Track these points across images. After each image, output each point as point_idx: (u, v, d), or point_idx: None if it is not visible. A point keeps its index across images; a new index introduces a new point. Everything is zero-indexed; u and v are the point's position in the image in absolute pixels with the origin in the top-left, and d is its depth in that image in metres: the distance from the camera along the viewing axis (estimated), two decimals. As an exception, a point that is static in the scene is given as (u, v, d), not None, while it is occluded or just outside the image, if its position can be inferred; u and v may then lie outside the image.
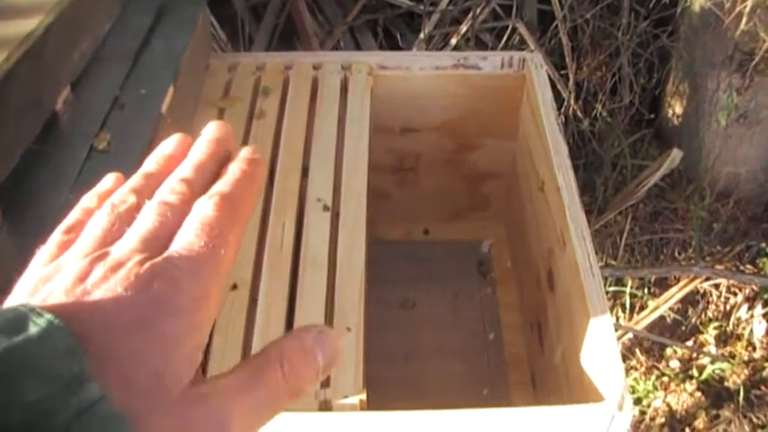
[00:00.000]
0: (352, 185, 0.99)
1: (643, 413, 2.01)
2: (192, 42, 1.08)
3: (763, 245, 2.32)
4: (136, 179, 0.40)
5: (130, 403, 0.32)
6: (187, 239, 0.36)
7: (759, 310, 2.19)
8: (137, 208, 0.38)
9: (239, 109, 1.10)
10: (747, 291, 2.24)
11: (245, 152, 0.41)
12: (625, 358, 2.12)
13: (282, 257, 0.88)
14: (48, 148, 0.83)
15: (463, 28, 2.17)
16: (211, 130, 0.43)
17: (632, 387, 2.05)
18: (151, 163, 0.42)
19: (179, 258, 0.35)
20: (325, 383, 0.75)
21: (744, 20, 1.93)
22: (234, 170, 0.40)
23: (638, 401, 2.03)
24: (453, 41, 2.17)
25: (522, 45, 2.20)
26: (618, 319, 2.16)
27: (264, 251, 0.89)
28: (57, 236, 0.38)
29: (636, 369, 2.10)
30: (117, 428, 0.32)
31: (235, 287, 0.85)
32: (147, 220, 0.37)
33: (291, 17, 2.17)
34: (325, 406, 0.73)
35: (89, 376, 0.32)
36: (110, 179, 0.42)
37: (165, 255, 0.35)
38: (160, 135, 0.92)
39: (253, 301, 0.84)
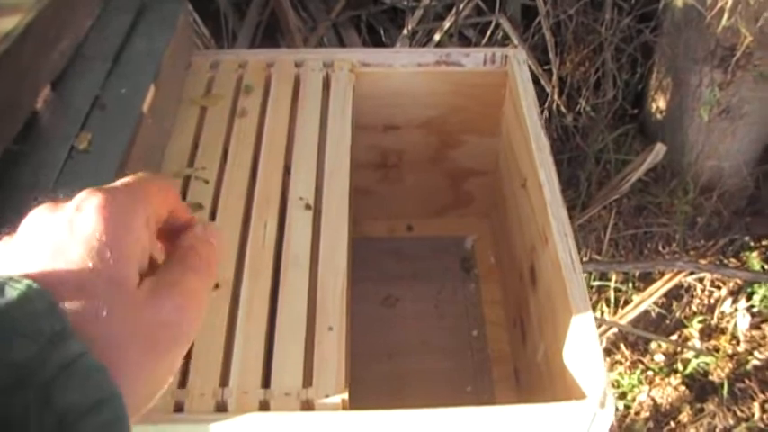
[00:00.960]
0: (335, 184, 0.99)
1: (628, 407, 2.02)
2: (173, 40, 1.07)
3: (747, 238, 2.33)
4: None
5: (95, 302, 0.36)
6: None
7: (743, 303, 2.21)
8: None
9: (221, 107, 1.09)
10: (731, 284, 2.26)
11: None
12: (610, 353, 2.13)
13: (264, 256, 0.88)
14: (28, 147, 0.83)
15: (446, 24, 2.17)
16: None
17: (617, 381, 2.06)
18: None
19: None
20: (308, 383, 0.75)
21: (725, 15, 1.94)
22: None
23: (622, 396, 2.03)
24: (437, 37, 2.17)
25: (505, 40, 2.20)
26: (602, 313, 2.17)
27: (246, 250, 0.89)
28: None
29: (620, 363, 2.11)
30: (98, 379, 0.34)
31: (217, 286, 0.84)
32: None
33: (275, 13, 2.17)
34: (308, 405, 0.73)
35: (70, 333, 0.34)
36: None
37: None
38: (141, 134, 0.91)
39: (235, 299, 0.83)
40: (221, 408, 0.73)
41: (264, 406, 0.73)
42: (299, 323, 0.81)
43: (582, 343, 0.81)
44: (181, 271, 0.41)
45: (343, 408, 0.74)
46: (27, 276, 0.35)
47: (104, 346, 0.36)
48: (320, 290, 0.85)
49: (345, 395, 0.74)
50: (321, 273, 0.87)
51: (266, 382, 0.75)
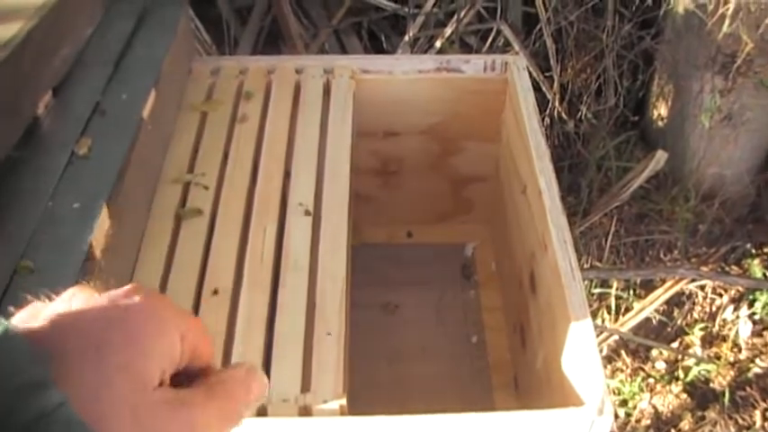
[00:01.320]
0: (334, 190, 0.99)
1: (629, 415, 2.01)
2: (173, 46, 1.07)
3: (749, 246, 2.33)
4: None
5: (94, 404, 0.34)
6: None
7: (744, 311, 2.20)
8: None
9: (222, 113, 1.09)
10: (733, 292, 2.25)
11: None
12: (611, 360, 2.13)
13: (264, 262, 0.88)
14: (28, 153, 0.83)
15: (448, 30, 2.17)
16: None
17: (618, 389, 2.06)
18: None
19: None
20: (306, 388, 0.75)
21: (726, 22, 1.94)
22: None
23: (623, 403, 2.03)
24: (438, 44, 2.17)
25: (506, 47, 2.20)
26: (603, 321, 2.17)
27: (246, 256, 0.89)
28: None
29: (621, 371, 2.11)
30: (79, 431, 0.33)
31: (216, 292, 0.85)
32: None
33: (277, 20, 2.17)
34: (305, 411, 0.73)
35: (50, 382, 0.33)
36: None
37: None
38: (141, 140, 0.92)
39: (234, 305, 0.84)
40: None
41: (262, 412, 0.73)
42: (297, 329, 0.81)
43: (581, 350, 0.81)
44: (205, 398, 0.39)
45: (342, 413, 0.74)
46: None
47: (98, 418, 0.34)
48: (319, 295, 0.85)
49: (343, 401, 0.74)
50: (320, 278, 0.87)
51: (264, 388, 0.75)
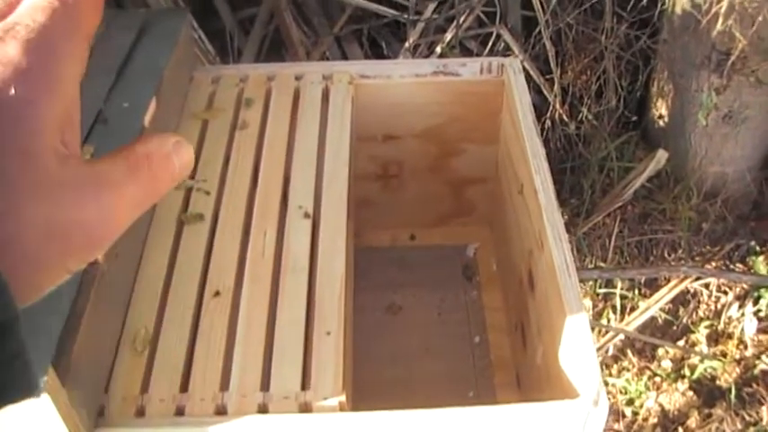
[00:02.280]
0: (333, 192, 1.00)
1: (636, 414, 2.02)
2: (174, 56, 1.09)
3: (753, 243, 2.34)
4: None
5: None
6: (19, 15, 0.32)
7: (750, 308, 2.21)
8: None
9: (222, 120, 1.11)
10: (738, 290, 2.26)
11: None
12: (617, 359, 2.14)
13: (264, 264, 0.90)
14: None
15: (448, 36, 2.19)
16: None
17: (624, 388, 2.07)
18: None
19: (17, 18, 0.32)
20: (306, 386, 0.77)
21: (720, 20, 1.95)
22: None
23: (630, 402, 2.04)
24: (438, 50, 2.19)
25: (506, 51, 2.22)
26: (609, 320, 2.18)
27: (247, 258, 0.91)
28: None
29: (628, 370, 2.12)
30: None
31: (217, 293, 0.86)
32: None
33: (279, 29, 2.20)
34: (306, 408, 0.75)
35: None
36: None
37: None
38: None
39: (235, 306, 0.85)
40: (221, 411, 0.75)
41: (263, 409, 0.75)
42: (297, 328, 0.83)
43: (576, 344, 0.82)
44: (124, 173, 0.33)
45: (341, 409, 0.75)
46: None
47: None
48: (318, 295, 0.87)
49: (343, 397, 0.76)
50: (319, 279, 0.89)
51: (265, 386, 0.77)
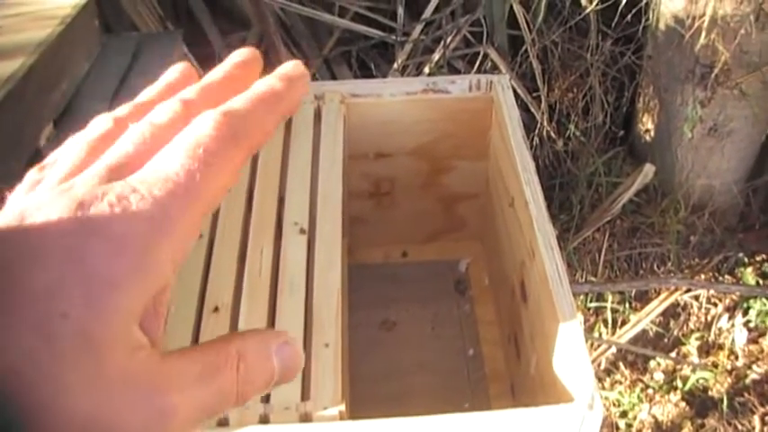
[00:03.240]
0: (328, 209, 1.02)
1: (630, 426, 2.04)
2: (168, 78, 1.11)
3: (741, 255, 2.36)
4: (123, 108, 0.33)
5: (35, 374, 0.24)
6: (160, 159, 0.28)
7: (739, 319, 2.23)
8: (116, 136, 0.31)
9: (217, 140, 1.13)
10: (727, 301, 2.28)
11: (285, 66, 0.33)
12: (609, 372, 2.15)
13: (261, 280, 0.92)
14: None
15: (436, 56, 2.22)
16: (237, 53, 0.34)
17: (617, 400, 2.08)
18: (147, 93, 0.34)
19: (139, 179, 0.28)
20: (306, 397, 0.78)
21: (703, 34, 1.98)
22: (259, 86, 0.32)
23: (623, 414, 2.05)
24: (426, 70, 2.22)
25: (494, 70, 2.25)
26: (600, 334, 2.20)
27: (244, 276, 0.93)
28: (31, 174, 0.31)
29: (620, 383, 2.13)
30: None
31: (216, 309, 0.88)
32: (122, 143, 0.30)
33: (268, 52, 2.22)
34: (306, 418, 0.76)
35: None
36: (100, 120, 0.33)
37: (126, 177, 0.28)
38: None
39: (234, 321, 0.87)
40: (223, 423, 0.76)
41: (264, 419, 0.76)
42: (296, 341, 0.84)
43: (570, 350, 0.84)
44: (202, 374, 0.29)
45: (341, 419, 0.77)
46: None
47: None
48: (316, 309, 0.88)
49: (342, 407, 0.77)
50: (316, 293, 0.90)
51: (266, 397, 0.78)
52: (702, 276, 2.29)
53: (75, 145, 0.31)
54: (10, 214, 0.27)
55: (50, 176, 0.29)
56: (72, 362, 0.24)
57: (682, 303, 2.28)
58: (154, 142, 0.29)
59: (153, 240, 0.27)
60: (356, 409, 0.82)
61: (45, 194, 0.27)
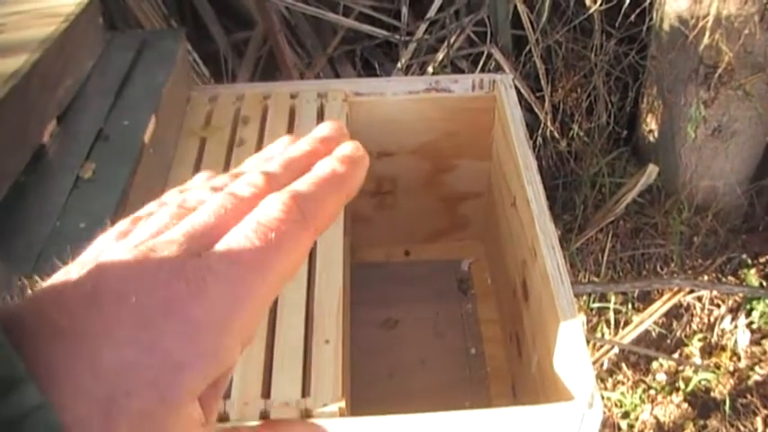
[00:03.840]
0: (330, 206, 1.02)
1: (631, 426, 2.03)
2: (172, 75, 1.12)
3: (744, 256, 2.36)
4: (223, 176, 0.35)
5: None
6: (235, 239, 0.29)
7: (742, 320, 2.23)
8: (203, 202, 0.32)
9: (220, 138, 1.13)
10: (730, 302, 2.28)
11: (344, 147, 0.35)
12: (612, 373, 2.15)
13: (264, 276, 0.92)
14: (36, 178, 0.87)
15: (439, 56, 2.22)
16: (321, 128, 0.36)
17: (620, 401, 2.08)
18: (248, 163, 0.36)
19: (216, 259, 0.29)
20: (306, 393, 0.79)
21: (707, 34, 1.98)
22: (322, 168, 0.34)
23: (626, 415, 2.05)
24: (430, 69, 2.22)
25: (497, 70, 2.25)
26: (603, 335, 2.20)
27: (246, 271, 0.93)
28: (123, 223, 0.32)
29: (623, 383, 2.13)
30: None
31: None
32: (202, 211, 0.31)
33: (272, 51, 2.22)
34: (306, 414, 0.77)
35: (24, 377, 0.24)
36: (201, 177, 0.36)
37: (204, 253, 0.29)
38: (143, 163, 0.95)
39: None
40: (224, 418, 0.76)
41: (265, 415, 0.77)
42: (297, 338, 0.84)
43: (570, 348, 0.84)
44: None
45: (341, 415, 0.77)
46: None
47: None
48: (317, 307, 0.88)
49: (342, 403, 0.77)
50: (318, 291, 0.90)
51: (266, 394, 0.79)
52: (705, 277, 2.29)
53: (166, 206, 0.32)
54: (89, 261, 0.28)
55: (137, 233, 0.31)
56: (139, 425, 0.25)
57: (685, 304, 2.27)
58: (233, 215, 0.31)
59: (226, 326, 0.28)
60: (358, 407, 0.82)
61: (125, 253, 0.28)
